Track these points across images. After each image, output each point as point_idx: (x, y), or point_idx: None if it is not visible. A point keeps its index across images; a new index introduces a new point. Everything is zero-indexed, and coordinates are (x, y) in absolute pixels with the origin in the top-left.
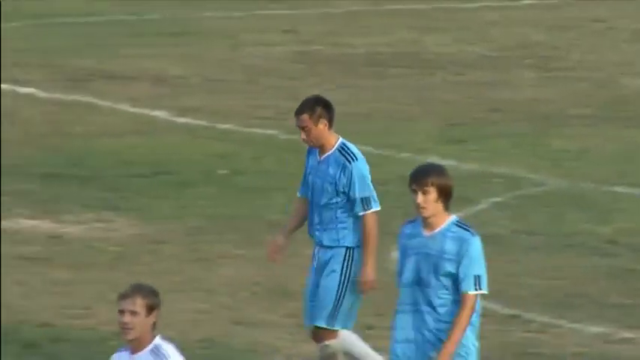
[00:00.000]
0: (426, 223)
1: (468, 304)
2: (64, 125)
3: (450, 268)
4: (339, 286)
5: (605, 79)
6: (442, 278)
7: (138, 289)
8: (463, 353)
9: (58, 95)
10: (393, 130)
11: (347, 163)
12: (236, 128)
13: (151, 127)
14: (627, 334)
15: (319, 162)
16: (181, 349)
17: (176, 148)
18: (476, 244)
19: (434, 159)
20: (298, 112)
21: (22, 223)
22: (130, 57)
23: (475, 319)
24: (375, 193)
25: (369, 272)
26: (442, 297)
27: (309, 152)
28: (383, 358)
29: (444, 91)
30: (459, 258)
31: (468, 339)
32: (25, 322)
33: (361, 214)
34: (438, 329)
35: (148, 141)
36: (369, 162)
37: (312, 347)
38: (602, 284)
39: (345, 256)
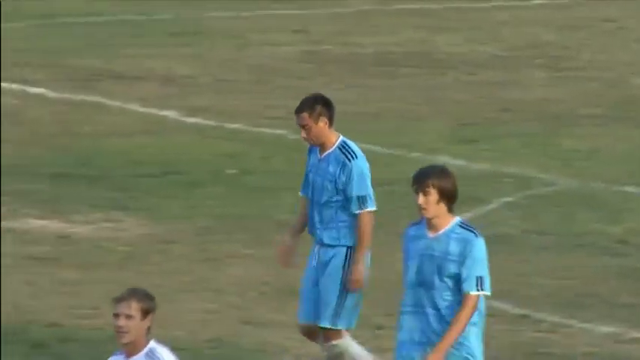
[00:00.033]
0: (430, 224)
1: (469, 304)
2: (73, 125)
3: (454, 269)
4: (341, 285)
5: (616, 79)
6: (446, 280)
7: (133, 293)
8: (466, 354)
9: (67, 95)
10: (403, 130)
11: (347, 161)
12: (245, 128)
13: (159, 127)
14: (638, 334)
15: (320, 160)
16: (190, 348)
17: (185, 148)
18: (480, 246)
19: (445, 159)
20: (298, 111)
21: (30, 223)
22: (138, 57)
23: (478, 319)
24: (372, 193)
25: (359, 271)
26: (447, 299)
27: (311, 151)
28: (373, 358)
29: (455, 90)
30: (462, 259)
31: (472, 341)
32: (33, 322)
33: (356, 212)
34: (443, 331)
35: (157, 141)
36: (379, 162)
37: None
38: (613, 284)
39: (347, 255)
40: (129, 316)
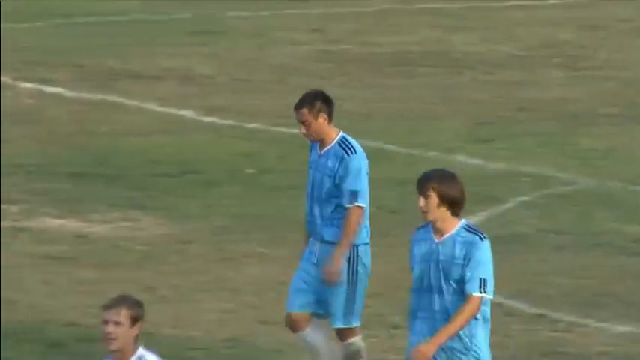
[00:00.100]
0: (435, 228)
1: (470, 304)
2: (91, 124)
3: (460, 272)
4: (348, 284)
5: (633, 78)
6: (453, 283)
7: (123, 300)
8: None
9: (84, 94)
10: (420, 129)
11: (345, 155)
12: (263, 127)
13: (177, 126)
14: None
15: (320, 156)
16: (207, 348)
17: (203, 148)
18: (484, 248)
19: (461, 158)
20: (298, 107)
21: (48, 222)
22: (156, 56)
23: (484, 323)
24: (365, 190)
25: (337, 264)
26: (455, 302)
27: (312, 147)
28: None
29: (472, 90)
30: (466, 261)
31: (481, 346)
32: (50, 322)
33: (347, 206)
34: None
35: (174, 140)
36: (396, 161)
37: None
38: (630, 283)
39: (350, 254)
40: (117, 323)
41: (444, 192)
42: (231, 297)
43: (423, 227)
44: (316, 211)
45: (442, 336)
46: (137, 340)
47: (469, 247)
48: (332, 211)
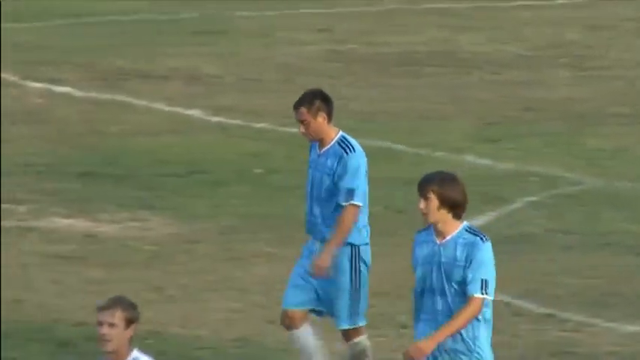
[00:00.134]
0: (437, 230)
1: (472, 305)
2: (100, 124)
3: (462, 274)
4: (351, 285)
5: None
6: (456, 285)
7: (118, 302)
8: None
9: (93, 94)
10: (427, 129)
11: (344, 154)
12: (270, 127)
13: (185, 126)
14: None
15: (319, 155)
16: (215, 347)
17: (210, 147)
18: (486, 249)
19: (469, 158)
20: (297, 106)
21: (57, 222)
22: (164, 56)
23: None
24: (363, 189)
25: (325, 259)
26: (458, 304)
27: (312, 147)
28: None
29: (479, 90)
30: (468, 263)
31: (484, 348)
32: (60, 321)
33: (343, 204)
34: (453, 337)
35: (182, 140)
36: (403, 161)
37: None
38: (638, 283)
39: (351, 254)
40: (112, 325)
41: (445, 194)
42: (239, 297)
43: (424, 230)
44: (317, 210)
45: (441, 334)
46: (132, 342)
47: (470, 248)
48: (332, 211)
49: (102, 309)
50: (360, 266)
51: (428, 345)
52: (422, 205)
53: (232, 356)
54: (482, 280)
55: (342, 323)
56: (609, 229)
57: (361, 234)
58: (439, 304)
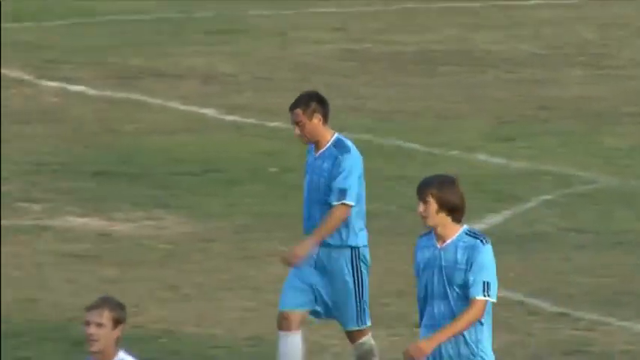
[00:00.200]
0: (437, 234)
1: (475, 308)
2: (114, 123)
3: (463, 277)
4: (355, 287)
5: None
6: (457, 289)
7: (106, 302)
8: None
9: (108, 93)
10: (442, 128)
11: (340, 155)
12: (284, 126)
13: (200, 124)
14: None
15: (315, 158)
16: (229, 346)
17: (225, 146)
18: (486, 252)
19: (483, 157)
20: (292, 107)
21: (72, 221)
22: (179, 55)
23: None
24: (356, 190)
25: (303, 249)
26: (460, 308)
27: (308, 151)
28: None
29: (495, 88)
30: (469, 266)
31: (487, 351)
32: (74, 320)
33: (334, 203)
34: (456, 340)
35: (197, 139)
36: (417, 160)
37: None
38: None
39: (352, 257)
40: (99, 325)
41: (443, 198)
42: (253, 295)
43: (425, 234)
44: (315, 213)
45: (443, 335)
46: (118, 343)
47: (471, 251)
48: None
49: (89, 309)
50: (361, 267)
51: (428, 345)
52: (421, 208)
53: (246, 355)
54: (484, 282)
55: (350, 325)
56: (623, 228)
57: (360, 236)
58: (441, 308)
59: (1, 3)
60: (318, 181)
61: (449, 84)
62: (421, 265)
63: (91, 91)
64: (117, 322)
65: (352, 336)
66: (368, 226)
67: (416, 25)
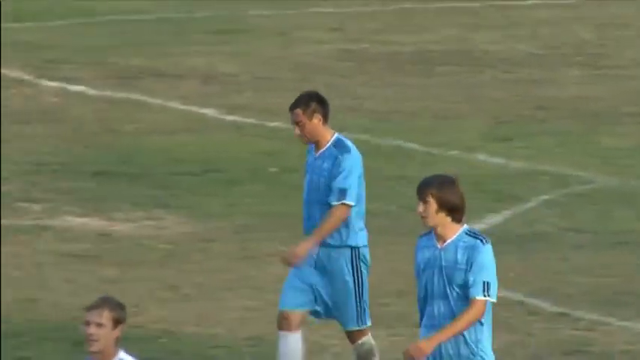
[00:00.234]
0: (437, 235)
1: (475, 308)
2: (114, 123)
3: (463, 277)
4: (355, 287)
5: None
6: (458, 289)
7: (105, 302)
8: None
9: (108, 93)
10: (440, 128)
11: (340, 155)
12: (285, 126)
13: (200, 124)
14: None
15: (315, 158)
16: (230, 346)
17: (225, 146)
18: (486, 252)
19: (482, 157)
20: (292, 107)
21: (72, 221)
22: (179, 55)
23: (486, 326)
24: (356, 190)
25: (303, 249)
26: (461, 308)
27: (308, 151)
28: None
29: (492, 88)
30: (469, 266)
31: (486, 350)
32: (74, 320)
33: (334, 203)
34: (456, 340)
35: (197, 139)
36: (416, 160)
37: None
38: None
39: (352, 256)
40: (99, 325)
41: (443, 198)
42: (254, 295)
43: (426, 234)
44: (316, 214)
45: (443, 335)
46: (118, 343)
47: (471, 251)
48: None
49: (89, 309)
50: (361, 267)
51: (428, 345)
52: (421, 208)
53: (247, 355)
54: (484, 282)
55: (350, 325)
56: (622, 228)
57: (359, 236)
58: (441, 309)
59: (1, 3)
60: (318, 181)
61: (447, 84)
62: (421, 266)
63: (91, 91)
64: (117, 322)
65: (352, 336)
66: (368, 226)
67: (413, 25)
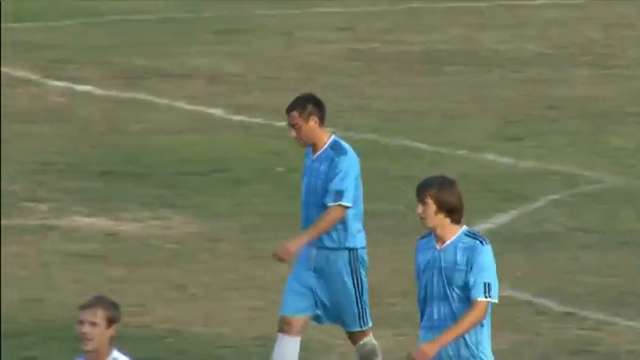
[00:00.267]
0: (436, 236)
1: (477, 309)
2: (121, 123)
3: (463, 278)
4: (354, 289)
5: None
6: (458, 290)
7: (99, 301)
8: None
9: (114, 93)
10: (449, 127)
11: (336, 157)
12: None
13: (207, 124)
14: None
15: (313, 161)
16: (236, 346)
17: (232, 146)
18: (486, 252)
19: (490, 157)
20: (289, 110)
21: (78, 220)
22: (185, 55)
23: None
24: (353, 192)
25: (294, 245)
26: (461, 310)
27: (306, 154)
28: None
29: (501, 88)
30: (469, 267)
31: (486, 352)
32: None
33: (330, 204)
34: (456, 342)
35: (204, 139)
36: (424, 160)
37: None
38: None
39: (350, 258)
40: (93, 324)
41: (442, 199)
42: (260, 295)
43: (426, 236)
44: (314, 216)
45: (446, 338)
46: (112, 342)
47: (471, 252)
48: None
49: (83, 308)
50: (359, 269)
51: (432, 348)
52: (420, 209)
53: (254, 354)
54: (485, 283)
55: (352, 326)
56: (629, 228)
57: (357, 238)
58: (442, 310)
59: (1, 3)
60: (316, 183)
61: (455, 84)
62: (421, 267)
63: (98, 91)
64: (111, 321)
65: (354, 337)
66: (374, 226)
67: (422, 24)
